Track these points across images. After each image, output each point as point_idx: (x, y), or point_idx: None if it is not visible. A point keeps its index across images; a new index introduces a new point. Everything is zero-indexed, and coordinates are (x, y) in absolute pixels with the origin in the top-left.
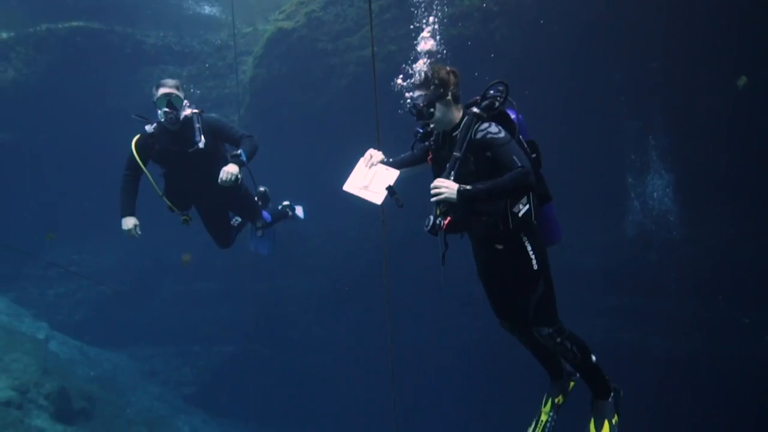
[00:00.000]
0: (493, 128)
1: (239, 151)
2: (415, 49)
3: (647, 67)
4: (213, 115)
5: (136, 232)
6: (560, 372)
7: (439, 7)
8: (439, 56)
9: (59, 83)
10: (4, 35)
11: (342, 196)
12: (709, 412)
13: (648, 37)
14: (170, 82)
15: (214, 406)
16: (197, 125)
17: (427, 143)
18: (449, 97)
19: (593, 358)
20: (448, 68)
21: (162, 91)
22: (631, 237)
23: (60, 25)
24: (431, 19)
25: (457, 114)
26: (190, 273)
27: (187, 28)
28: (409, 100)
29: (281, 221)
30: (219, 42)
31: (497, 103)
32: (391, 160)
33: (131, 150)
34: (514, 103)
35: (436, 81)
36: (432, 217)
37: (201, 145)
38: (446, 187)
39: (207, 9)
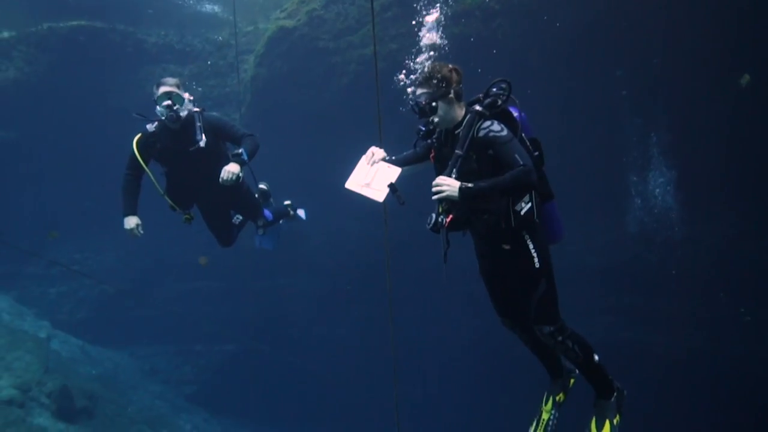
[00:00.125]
0: (496, 126)
1: (240, 150)
2: (418, 44)
3: (649, 64)
4: (214, 113)
5: (139, 232)
6: (560, 370)
7: (441, 3)
8: (441, 51)
9: (61, 82)
10: (6, 34)
11: (343, 194)
12: (710, 411)
13: (649, 34)
14: (171, 80)
15: (215, 404)
16: (198, 124)
17: (429, 141)
18: (452, 95)
19: (596, 357)
20: (450, 66)
21: (162, 89)
22: (633, 235)
23: (61, 24)
24: (434, 11)
25: (460, 112)
26: (191, 272)
27: (188, 27)
28: (411, 97)
29: (282, 220)
30: (220, 39)
31: (500, 101)
32: (393, 158)
33: (132, 149)
34: (517, 101)
35: (439, 79)
36: (434, 215)
37: (202, 143)
38: (448, 185)
39: (208, 7)
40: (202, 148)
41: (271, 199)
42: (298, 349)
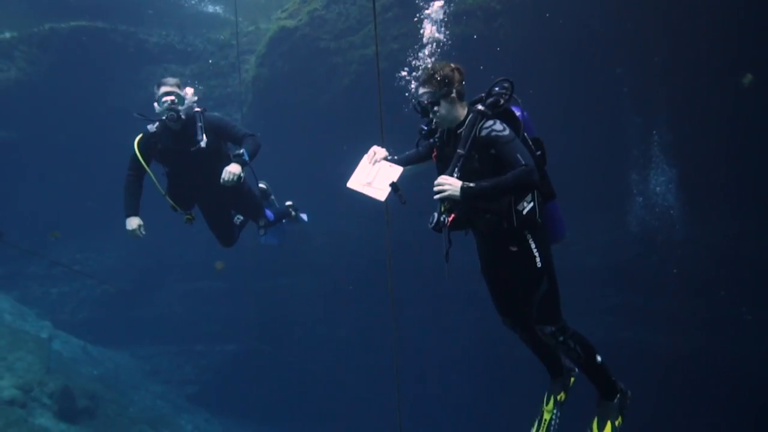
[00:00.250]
0: (498, 126)
1: (241, 151)
2: (420, 40)
3: (650, 62)
4: (215, 113)
5: (141, 232)
6: (560, 369)
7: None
8: (444, 47)
9: (62, 82)
10: (8, 34)
11: (345, 194)
12: (711, 411)
13: (651, 33)
14: (171, 80)
15: (216, 404)
16: (199, 124)
17: (431, 140)
18: (454, 95)
19: (598, 358)
20: (452, 65)
21: (163, 89)
22: (634, 234)
23: (63, 25)
24: (436, 3)
25: (462, 111)
26: (192, 272)
27: (189, 27)
28: (413, 96)
29: (284, 220)
30: (222, 38)
31: (502, 101)
32: (395, 157)
33: (134, 149)
34: (519, 101)
35: (441, 78)
36: (436, 214)
37: (203, 144)
38: (449, 184)
39: (210, 8)
40: (203, 148)
41: (272, 197)
42: (300, 349)
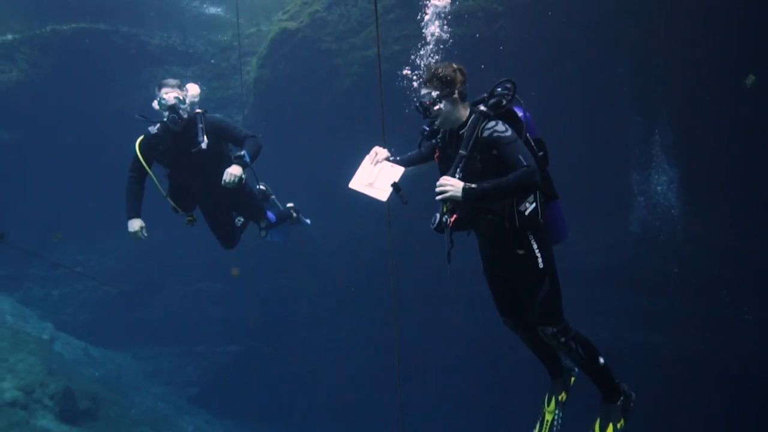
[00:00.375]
0: (500, 126)
1: (242, 152)
2: (423, 38)
3: (651, 62)
4: (217, 115)
5: (143, 234)
6: (560, 369)
7: None
8: (446, 44)
9: (64, 84)
10: (10, 36)
11: (346, 195)
12: (713, 411)
13: (652, 32)
14: (172, 81)
15: (217, 406)
16: (200, 125)
17: (433, 141)
18: (456, 95)
19: (601, 360)
20: (454, 66)
21: (164, 91)
22: (635, 235)
23: (65, 27)
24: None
25: (464, 112)
26: (193, 273)
27: (191, 29)
28: (415, 96)
29: (286, 221)
30: (225, 39)
31: (504, 101)
32: (397, 158)
33: (135, 151)
34: (522, 101)
35: (443, 79)
36: (438, 215)
37: (204, 145)
38: (451, 185)
39: (211, 9)
40: (204, 149)
41: (273, 197)
42: (301, 350)
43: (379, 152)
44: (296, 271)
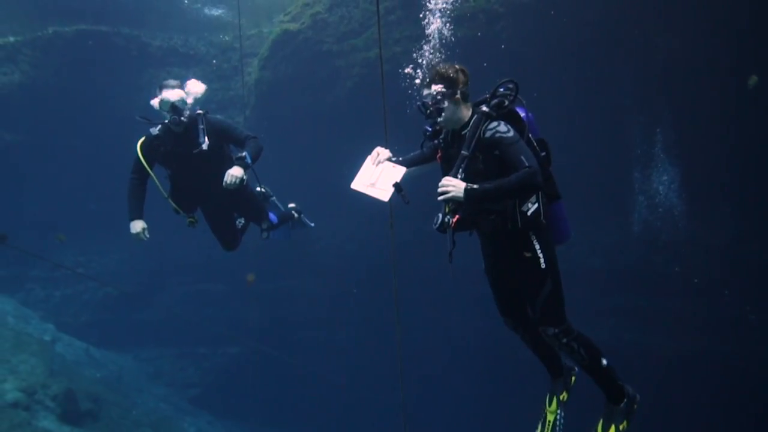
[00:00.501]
0: (502, 127)
1: (244, 154)
2: (425, 36)
3: (653, 61)
4: (218, 116)
5: (145, 236)
6: (560, 369)
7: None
8: (447, 41)
9: (66, 85)
10: (12, 38)
11: (348, 196)
12: (715, 412)
13: (654, 31)
14: (173, 82)
15: (219, 407)
16: (201, 126)
17: (436, 142)
18: (458, 96)
19: (604, 362)
20: (457, 66)
21: (165, 92)
22: (637, 235)
23: (67, 28)
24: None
25: (466, 112)
26: (195, 274)
27: (192, 30)
28: (418, 96)
29: (287, 222)
30: (227, 39)
31: (507, 102)
32: (400, 158)
33: (136, 152)
34: (524, 101)
35: (445, 79)
36: (441, 215)
37: (205, 146)
38: (453, 186)
39: (212, 11)
40: (205, 150)
41: (273, 198)
42: (303, 351)
43: (381, 153)
44: (298, 272)
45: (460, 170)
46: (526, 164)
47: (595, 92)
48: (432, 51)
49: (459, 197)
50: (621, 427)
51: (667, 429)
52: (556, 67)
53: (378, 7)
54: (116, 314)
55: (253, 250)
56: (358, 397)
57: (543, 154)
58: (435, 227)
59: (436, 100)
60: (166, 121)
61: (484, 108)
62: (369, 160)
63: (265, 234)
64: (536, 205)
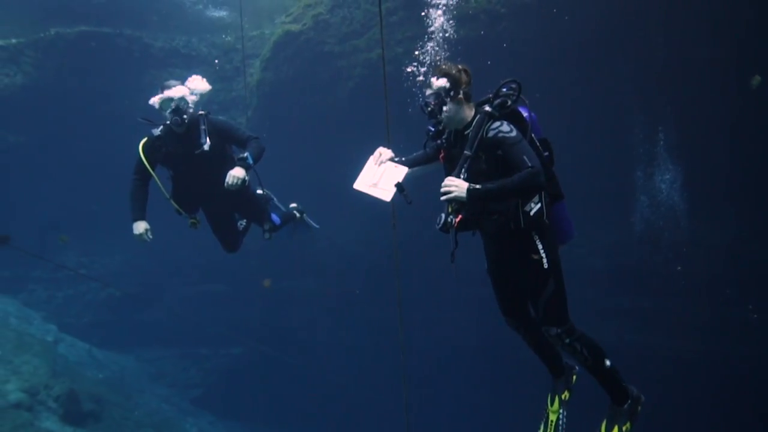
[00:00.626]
0: (505, 127)
1: (245, 154)
2: (428, 34)
3: (655, 61)
4: (220, 117)
5: (148, 237)
6: (561, 368)
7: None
8: (451, 35)
9: (68, 87)
10: (14, 40)
11: (349, 197)
12: (718, 413)
13: (656, 30)
14: (174, 83)
15: (221, 408)
16: (203, 127)
17: (438, 142)
18: (461, 96)
19: (607, 362)
20: (459, 66)
21: (167, 93)
22: (639, 235)
23: (69, 30)
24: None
25: (469, 112)
26: (197, 275)
27: (194, 31)
28: (421, 94)
29: (290, 223)
30: (229, 39)
31: (509, 102)
32: (403, 158)
33: (138, 153)
34: (527, 101)
35: (448, 79)
36: (443, 215)
37: (206, 147)
38: (456, 186)
39: (214, 12)
40: (207, 151)
41: (274, 200)
42: (304, 352)
43: (383, 153)
44: (300, 272)
45: (463, 170)
46: (529, 164)
47: (597, 92)
48: (435, 48)
49: (462, 197)
50: (624, 428)
51: (670, 430)
52: (558, 66)
53: (380, 7)
54: (118, 315)
55: (255, 251)
56: (360, 398)
57: (546, 153)
58: (438, 227)
59: (439, 100)
60: (168, 122)
61: (487, 108)
62: (371, 161)
63: (267, 235)
64: (539, 205)
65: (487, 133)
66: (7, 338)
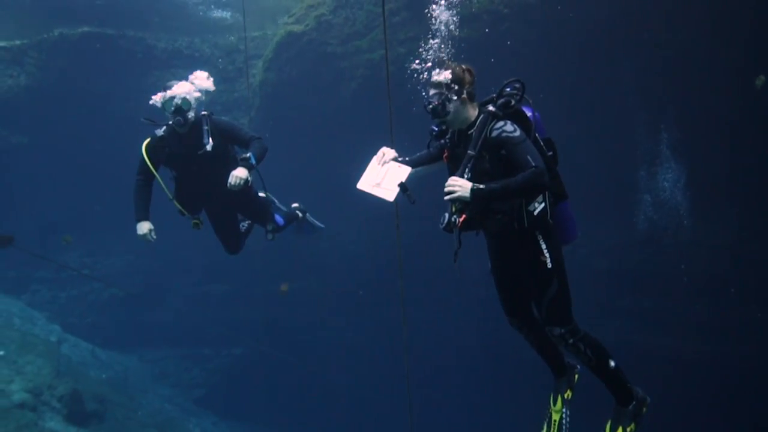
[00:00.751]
0: (509, 126)
1: (248, 155)
2: (431, 30)
3: (658, 59)
4: (223, 117)
5: (152, 237)
6: (564, 367)
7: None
8: (454, 30)
9: (71, 87)
10: (18, 41)
11: (353, 197)
12: (722, 414)
13: (659, 28)
14: (177, 83)
15: (224, 408)
16: (205, 127)
17: (442, 141)
18: (464, 95)
19: (611, 363)
20: (463, 66)
21: (169, 93)
22: (642, 234)
23: (72, 31)
24: None
25: (473, 112)
26: (200, 275)
27: (197, 32)
28: (424, 93)
29: (293, 223)
30: (232, 39)
31: (513, 101)
32: (406, 158)
33: (142, 154)
34: (531, 101)
35: (452, 79)
36: (447, 215)
37: (209, 147)
38: (460, 185)
39: (217, 13)
40: (210, 151)
41: (276, 203)
42: (307, 352)
43: (387, 152)
44: (302, 273)
45: (467, 170)
46: (533, 164)
47: (600, 91)
48: (441, 45)
49: (465, 197)
50: (628, 430)
51: (672, 430)
52: (560, 66)
53: (384, 8)
54: (122, 315)
55: (258, 251)
56: (362, 398)
57: (550, 153)
58: (441, 227)
59: (443, 100)
60: (171, 122)
61: (491, 107)
62: (374, 160)
63: (270, 236)
64: (543, 205)
65: (490, 133)
66: (11, 338)
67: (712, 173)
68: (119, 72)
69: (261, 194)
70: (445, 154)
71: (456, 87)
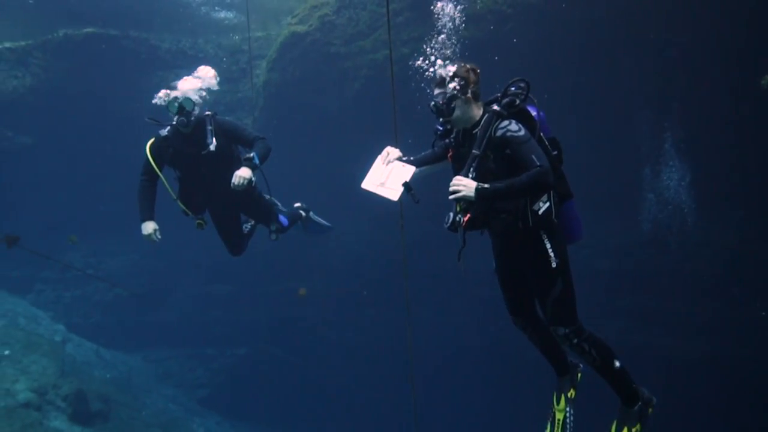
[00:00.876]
0: (513, 126)
1: (252, 155)
2: (436, 28)
3: (662, 58)
4: (227, 118)
5: (157, 237)
6: (566, 366)
7: None
8: (459, 27)
9: (76, 88)
10: (23, 42)
11: (358, 196)
12: (727, 414)
13: (663, 27)
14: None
15: (228, 408)
16: (209, 127)
17: (447, 141)
18: (469, 95)
19: (616, 363)
20: (468, 66)
21: (173, 94)
22: (646, 234)
23: (76, 32)
24: None
25: (477, 111)
26: (204, 275)
27: (200, 33)
28: (429, 94)
29: (297, 223)
30: (236, 38)
31: (518, 101)
32: (411, 158)
33: (146, 154)
34: (535, 100)
35: (456, 78)
36: (452, 214)
37: (212, 147)
38: (464, 185)
39: (220, 13)
40: (213, 151)
41: (278, 206)
42: (310, 352)
43: (391, 152)
44: (306, 273)
45: (471, 169)
46: (537, 163)
47: (604, 90)
48: (446, 42)
49: (470, 196)
50: (634, 430)
51: (675, 431)
52: (564, 65)
53: (388, 8)
54: (126, 315)
55: (262, 253)
56: (366, 398)
57: (555, 153)
58: (446, 226)
59: (448, 99)
60: (174, 122)
61: (495, 107)
62: (379, 160)
63: (273, 236)
64: (548, 204)
65: (495, 132)
66: (16, 338)
67: (716, 172)
68: (123, 73)
69: (266, 196)
70: (450, 154)
71: (461, 86)
